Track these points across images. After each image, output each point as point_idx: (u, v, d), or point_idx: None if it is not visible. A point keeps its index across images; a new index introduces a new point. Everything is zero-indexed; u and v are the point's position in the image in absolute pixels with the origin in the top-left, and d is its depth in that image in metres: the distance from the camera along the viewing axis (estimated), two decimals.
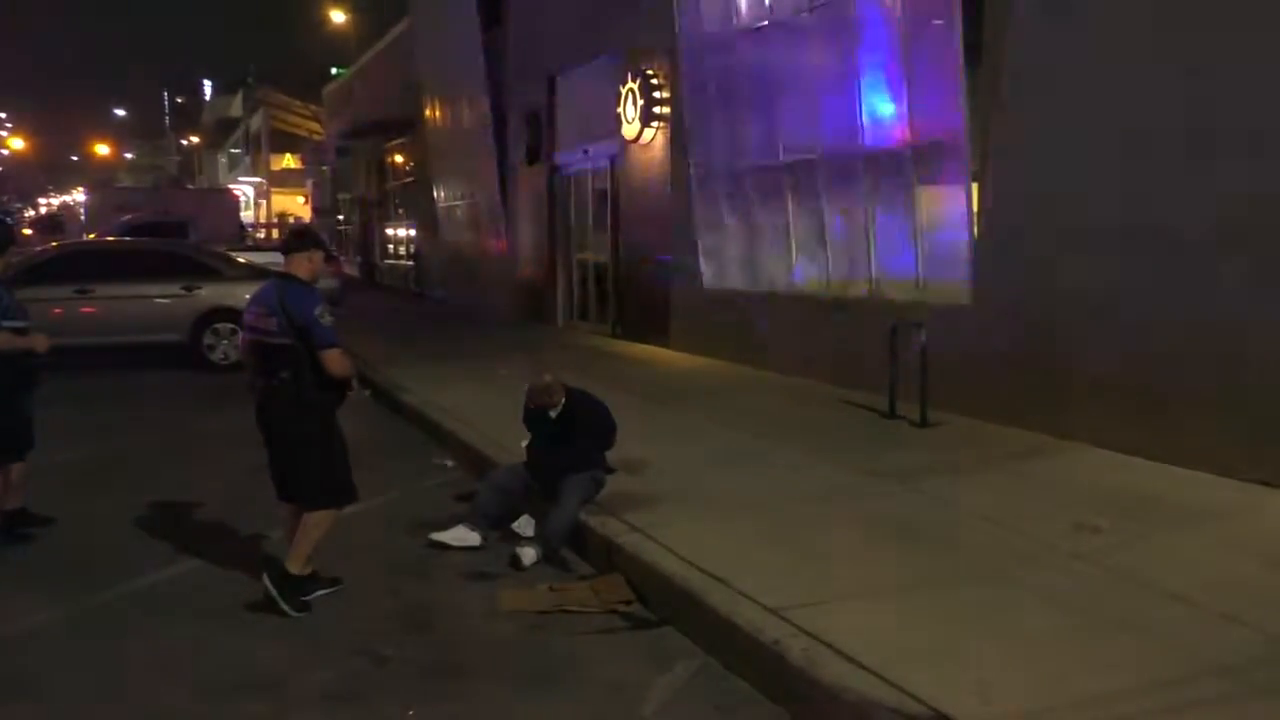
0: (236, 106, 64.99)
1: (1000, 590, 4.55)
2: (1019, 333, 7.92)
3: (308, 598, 4.85)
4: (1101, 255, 7.26)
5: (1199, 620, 4.18)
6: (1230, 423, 6.37)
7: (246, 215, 48.59)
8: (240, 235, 29.78)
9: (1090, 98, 7.30)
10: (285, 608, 4.76)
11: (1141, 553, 5.02)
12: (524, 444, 6.17)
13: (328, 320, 4.82)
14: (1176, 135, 6.69)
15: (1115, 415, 7.08)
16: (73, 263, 13.10)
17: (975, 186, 8.46)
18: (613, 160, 15.09)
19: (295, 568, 4.89)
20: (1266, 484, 6.04)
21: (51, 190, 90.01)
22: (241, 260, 14.89)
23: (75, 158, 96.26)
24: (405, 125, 25.59)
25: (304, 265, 4.96)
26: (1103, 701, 3.50)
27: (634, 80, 13.57)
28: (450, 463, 7.83)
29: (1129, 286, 7.05)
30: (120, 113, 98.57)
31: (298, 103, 51.77)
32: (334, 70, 42.53)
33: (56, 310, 11.32)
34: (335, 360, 4.84)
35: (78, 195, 60.08)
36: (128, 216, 25.22)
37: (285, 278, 4.97)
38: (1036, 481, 6.43)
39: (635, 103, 13.56)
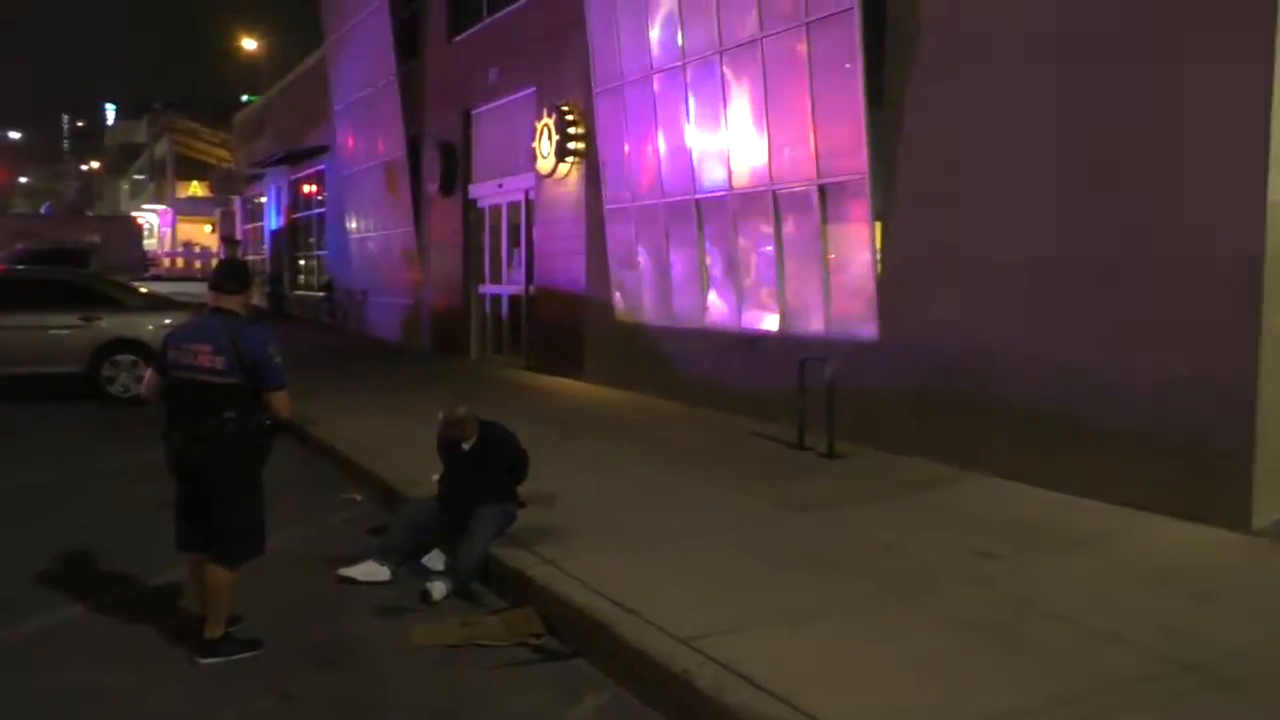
0: (141, 132, 63.46)
1: (905, 615, 4.71)
2: (920, 368, 8.20)
3: (229, 658, 4.68)
4: (995, 293, 7.59)
5: (1085, 639, 4.39)
6: (1113, 452, 6.69)
7: (150, 244, 47.33)
8: (144, 264, 29.02)
9: (986, 141, 7.65)
10: (239, 658, 4.64)
11: (1034, 576, 5.25)
12: (435, 477, 6.15)
13: (279, 360, 4.69)
14: (1064, 177, 7.06)
15: (1011, 447, 7.37)
16: None
17: (879, 226, 8.76)
18: (527, 194, 15.18)
19: (216, 632, 4.70)
20: (1146, 509, 6.36)
21: None
22: (144, 290, 14.53)
23: None
24: (317, 154, 25.31)
25: (239, 301, 4.83)
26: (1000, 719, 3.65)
27: (549, 115, 13.70)
28: (359, 497, 7.74)
29: (1021, 323, 7.37)
30: (14, 135, 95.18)
31: (206, 129, 50.81)
32: (245, 97, 41.91)
33: None
34: (283, 401, 4.73)
35: None
36: (23, 244, 24.41)
37: (227, 314, 4.75)
38: (939, 510, 6.65)
39: (550, 138, 13.68)
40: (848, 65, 8.81)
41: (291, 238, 29.87)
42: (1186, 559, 5.60)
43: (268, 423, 4.74)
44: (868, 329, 8.84)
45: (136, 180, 65.53)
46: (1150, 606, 4.80)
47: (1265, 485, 6.04)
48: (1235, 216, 6.04)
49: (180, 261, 40.89)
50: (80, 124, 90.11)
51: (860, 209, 8.94)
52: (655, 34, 11.52)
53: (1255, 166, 5.92)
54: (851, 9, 8.59)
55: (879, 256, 8.77)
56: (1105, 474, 6.71)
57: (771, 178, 9.93)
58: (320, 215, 26.81)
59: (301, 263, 29.45)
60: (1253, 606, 4.86)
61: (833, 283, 9.41)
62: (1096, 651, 4.26)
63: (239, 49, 37.32)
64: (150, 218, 54.19)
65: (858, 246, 9.09)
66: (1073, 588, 5.07)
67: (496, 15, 16.03)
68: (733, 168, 10.44)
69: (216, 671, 4.56)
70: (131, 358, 12.18)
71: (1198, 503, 6.18)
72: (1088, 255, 6.90)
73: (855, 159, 8.80)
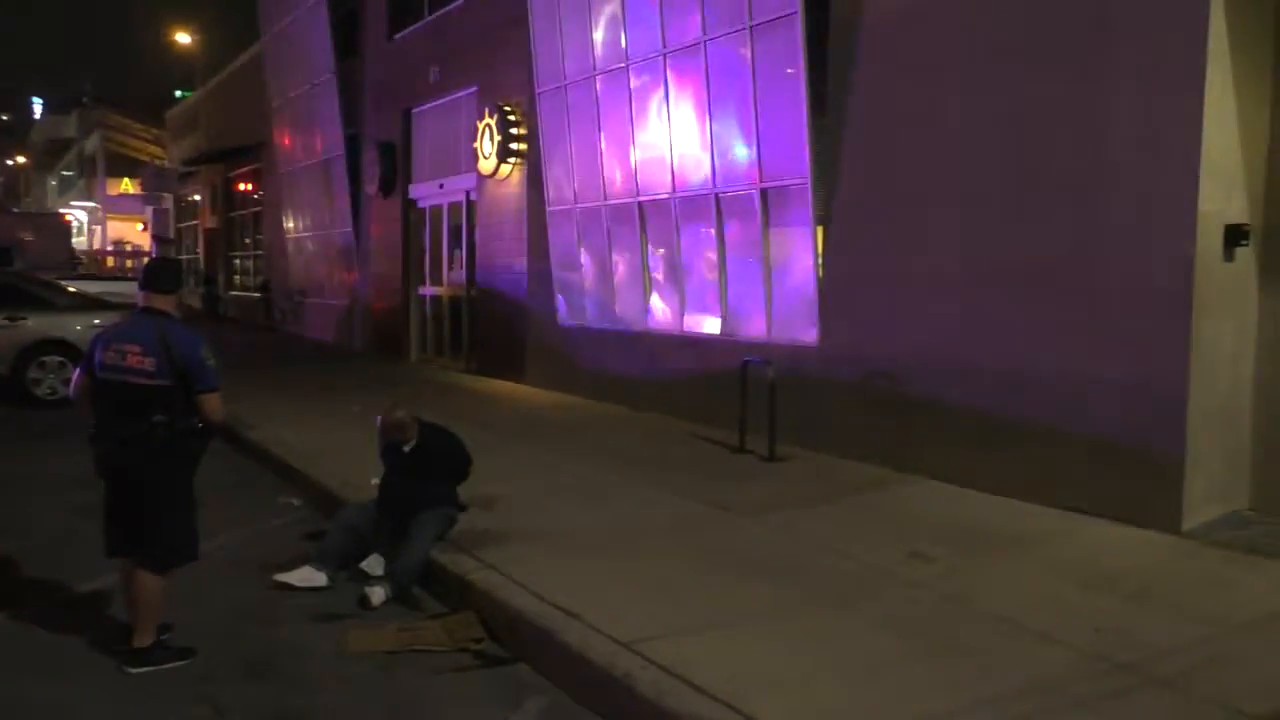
0: (70, 126, 61.72)
1: (843, 617, 4.74)
2: (861, 371, 8.28)
3: (159, 667, 4.55)
4: (934, 298, 7.68)
5: (1022, 640, 4.46)
6: (1049, 456, 6.81)
7: (79, 241, 46.16)
8: (72, 263, 28.30)
9: (925, 148, 7.75)
10: (169, 667, 4.51)
11: (972, 579, 5.32)
12: (374, 481, 6.07)
13: (212, 362, 4.58)
14: (1001, 185, 7.17)
15: (949, 450, 7.47)
16: None
17: (821, 230, 8.84)
18: (469, 194, 15.06)
19: (146, 640, 4.57)
20: (1081, 511, 6.49)
21: None
22: (72, 290, 14.15)
23: None
24: (254, 152, 24.87)
25: (171, 302, 4.74)
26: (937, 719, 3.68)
27: (491, 116, 13.61)
28: (297, 501, 7.60)
29: (959, 328, 7.48)
30: None
31: (138, 125, 49.62)
32: (178, 93, 41.04)
33: None
34: (215, 404, 4.60)
35: None
36: None
37: (159, 314, 4.63)
38: (877, 513, 6.71)
39: (492, 138, 13.59)
40: (790, 70, 8.88)
41: (227, 237, 29.31)
42: (1120, 560, 5.71)
43: (200, 426, 4.63)
44: (809, 332, 8.91)
45: (65, 176, 63.78)
46: (1085, 607, 4.88)
47: (1195, 488, 6.20)
48: (1168, 225, 6.18)
49: (110, 260, 39.84)
50: (5, 117, 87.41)
51: (802, 213, 9.01)
52: (599, 35, 11.50)
53: (1189, 177, 6.06)
54: (794, 14, 8.66)
55: (820, 261, 8.84)
56: (1041, 477, 6.83)
57: (714, 181, 9.97)
58: (256, 214, 26.36)
59: (237, 262, 28.92)
60: (1184, 606, 4.97)
61: (774, 286, 9.47)
62: (1032, 652, 4.32)
63: (172, 43, 36.48)
64: (79, 215, 52.79)
65: (799, 251, 9.16)
66: (1009, 590, 5.14)
67: (437, 13, 15.89)
68: (675, 171, 10.46)
69: (147, 681, 4.44)
70: (59, 359, 11.86)
71: (1131, 505, 6.31)
72: (1024, 262, 7.01)
73: (797, 164, 8.87)
